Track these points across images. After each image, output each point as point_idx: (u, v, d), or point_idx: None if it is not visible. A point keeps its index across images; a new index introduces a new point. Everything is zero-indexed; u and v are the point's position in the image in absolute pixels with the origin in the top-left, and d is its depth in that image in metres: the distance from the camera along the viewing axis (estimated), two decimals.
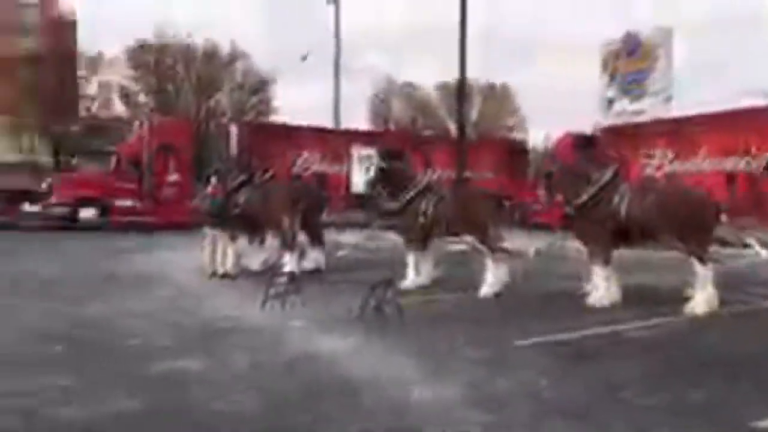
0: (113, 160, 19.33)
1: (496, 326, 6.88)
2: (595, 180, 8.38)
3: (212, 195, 10.46)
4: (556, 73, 53.21)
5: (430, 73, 64.15)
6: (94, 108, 40.10)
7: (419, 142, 24.05)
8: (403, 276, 9.04)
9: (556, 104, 44.60)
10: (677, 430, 4.09)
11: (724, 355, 5.79)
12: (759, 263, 8.21)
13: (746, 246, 7.79)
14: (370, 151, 16.95)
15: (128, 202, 18.46)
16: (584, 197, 8.29)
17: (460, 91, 21.03)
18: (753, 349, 6.00)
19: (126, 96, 39.87)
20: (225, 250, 10.10)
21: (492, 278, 8.49)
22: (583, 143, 18.65)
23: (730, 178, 14.12)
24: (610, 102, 28.16)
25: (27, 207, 18.98)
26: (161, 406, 4.42)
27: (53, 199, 18.46)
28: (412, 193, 9.40)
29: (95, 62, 39.60)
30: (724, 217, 7.83)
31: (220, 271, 10.01)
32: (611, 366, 5.41)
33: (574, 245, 9.13)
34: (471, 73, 22.66)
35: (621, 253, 8.44)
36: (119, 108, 39.96)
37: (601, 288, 7.91)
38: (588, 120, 24.73)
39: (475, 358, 5.59)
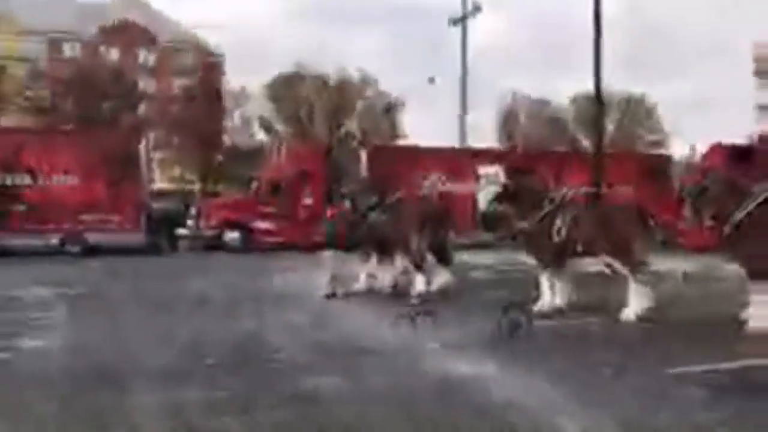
0: (253, 185, 20.67)
1: (642, 354, 6.35)
2: (756, 195, 7.57)
3: (330, 217, 10.75)
4: (703, 81, 49.53)
5: (563, 88, 62.25)
6: (237, 137, 43.37)
7: (550, 157, 23.29)
8: (537, 298, 8.72)
9: (704, 115, 41.47)
10: None
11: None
12: None
13: None
14: (498, 169, 16.68)
15: (268, 225, 19.58)
16: (742, 214, 7.50)
17: (597, 101, 20.07)
18: None
19: (266, 126, 42.75)
20: (338, 272, 10.17)
21: (634, 301, 7.90)
22: (738, 154, 17.01)
23: None
24: (766, 108, 25.72)
25: (178, 230, 20.77)
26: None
27: (201, 223, 20.07)
28: (544, 211, 9.04)
29: (238, 96, 42.92)
30: None
31: (339, 291, 10.13)
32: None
33: (732, 267, 8.28)
34: (609, 85, 21.62)
35: None
36: (259, 136, 42.90)
37: (765, 313, 7.06)
38: (739, 130, 22.66)
39: (622, 386, 5.19)
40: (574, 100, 39.75)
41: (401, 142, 36.67)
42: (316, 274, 10.34)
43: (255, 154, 33.68)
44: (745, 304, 7.46)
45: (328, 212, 10.93)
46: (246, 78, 43.78)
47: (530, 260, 9.45)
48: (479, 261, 14.22)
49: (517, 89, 41.01)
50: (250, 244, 19.33)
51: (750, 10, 47.78)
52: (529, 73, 57.26)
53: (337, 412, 4.67)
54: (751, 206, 7.51)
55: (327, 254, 10.36)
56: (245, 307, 9.17)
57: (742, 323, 7.26)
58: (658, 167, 23.04)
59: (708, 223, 7.96)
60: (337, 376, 5.56)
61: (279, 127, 42.22)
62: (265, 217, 19.73)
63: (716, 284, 9.58)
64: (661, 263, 9.17)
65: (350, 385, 5.35)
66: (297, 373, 5.68)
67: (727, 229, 7.67)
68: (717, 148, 18.08)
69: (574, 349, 6.59)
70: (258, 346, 6.87)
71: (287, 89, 41.15)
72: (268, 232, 19.55)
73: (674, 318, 7.96)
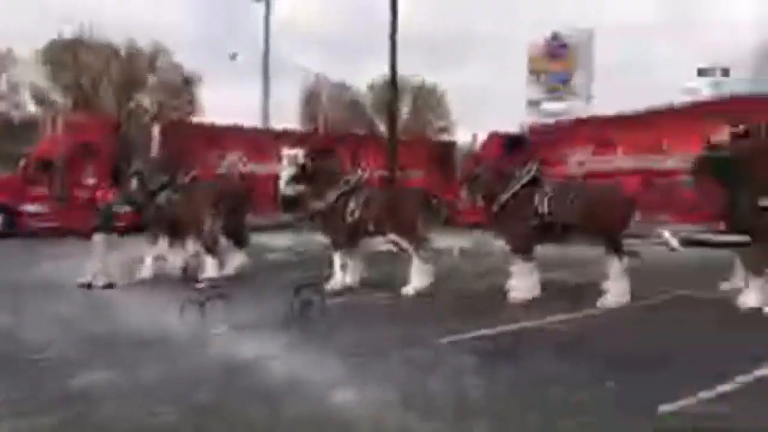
0: (22, 163, 18.19)
1: (419, 325, 6.86)
2: (518, 178, 8.57)
3: (102, 198, 9.97)
4: (485, 74, 54.54)
5: (362, 72, 64.29)
6: (3, 107, 37.74)
7: (349, 141, 23.94)
8: (330, 277, 8.95)
9: (485, 105, 45.74)
10: (591, 417, 4.18)
11: (633, 347, 6.00)
12: (669, 257, 8.56)
13: (660, 239, 8.13)
14: (299, 151, 16.71)
15: (38, 208, 17.39)
16: (506, 195, 8.47)
17: (392, 88, 21.02)
18: (660, 339, 6.26)
19: (38, 95, 37.63)
20: (105, 258, 9.37)
21: (416, 277, 8.51)
22: (510, 143, 19.10)
23: (646, 175, 14.74)
24: (536, 103, 29.06)
25: None
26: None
27: None
28: (338, 192, 9.29)
29: (3, 59, 37.25)
30: (637, 213, 8.18)
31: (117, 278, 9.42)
32: (526, 361, 5.49)
33: (499, 243, 9.30)
34: (403, 72, 22.72)
35: (544, 250, 8.70)
36: (32, 108, 37.74)
37: (522, 283, 8.10)
38: (516, 120, 25.37)
39: (399, 357, 5.55)
40: (372, 86, 41.29)
41: (199, 119, 34.94)
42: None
43: (28, 128, 29.63)
44: (508, 276, 8.45)
45: (99, 193, 10.08)
46: (14, 40, 38.14)
47: (326, 240, 9.66)
48: (278, 243, 14.18)
49: (320, 71, 41.39)
50: (18, 228, 17.03)
51: (528, 11, 53.69)
52: (333, 55, 57.91)
53: (109, 410, 4.35)
54: (515, 188, 8.51)
55: (97, 239, 9.46)
56: (5, 300, 8.11)
57: (506, 293, 8.22)
58: (445, 153, 24.90)
59: (480, 203, 8.87)
60: (113, 371, 5.17)
61: (56, 97, 37.46)
62: (35, 199, 17.49)
63: (486, 259, 10.70)
64: (442, 240, 9.95)
65: (126, 380, 5.00)
66: (68, 370, 5.17)
67: (494, 209, 8.62)
68: (494, 137, 20.02)
69: (361, 325, 6.90)
70: (21, 343, 6.12)
71: (66, 55, 36.59)
72: (38, 216, 17.38)
73: (450, 291, 8.71)
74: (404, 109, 41.65)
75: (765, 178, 7.37)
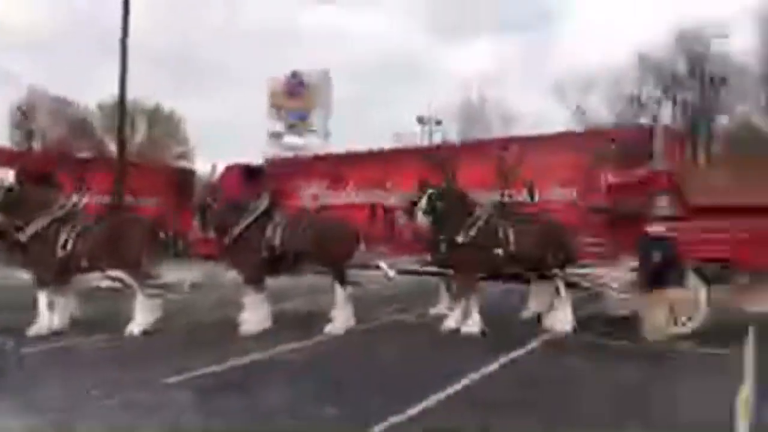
0: None
1: (142, 367, 6.37)
2: (251, 210, 8.61)
3: None
4: (227, 104, 54.16)
5: (91, 88, 58.66)
6: None
7: (72, 163, 21.49)
8: (33, 321, 7.82)
9: (227, 135, 45.31)
10: None
11: (357, 369, 6.41)
12: (389, 284, 9.38)
13: (377, 268, 8.86)
14: (8, 172, 14.47)
15: None
16: (240, 227, 8.43)
17: (120, 106, 19.55)
18: (375, 362, 6.81)
19: None
20: None
21: (141, 314, 7.93)
22: (248, 174, 19.14)
23: (372, 210, 16.00)
24: (277, 136, 29.74)
25: None
26: None
27: None
28: (48, 220, 8.20)
29: None
30: (363, 245, 8.84)
31: None
32: (256, 394, 5.47)
33: (231, 275, 9.19)
34: (136, 94, 21.32)
35: (278, 281, 8.85)
36: None
37: (253, 315, 8.11)
38: (258, 152, 25.56)
39: (118, 404, 5.07)
40: (101, 105, 38.00)
41: None
42: None
43: None
44: (241, 308, 8.38)
45: None
46: None
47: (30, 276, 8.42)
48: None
49: (34, 83, 36.60)
50: None
51: (274, 46, 55.10)
52: (56, 66, 51.78)
53: None
54: (248, 220, 8.52)
55: None
56: None
57: (237, 326, 8.12)
58: (182, 181, 23.87)
59: (212, 234, 8.68)
60: None
61: None
62: None
63: (218, 291, 10.49)
64: (173, 273, 9.46)
65: None
66: None
67: (227, 241, 8.52)
68: (232, 168, 19.86)
69: (71, 373, 6.12)
70: None
71: None
72: None
73: (180, 326, 8.31)
74: (139, 133, 39.11)
75: (460, 218, 8.53)
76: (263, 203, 8.75)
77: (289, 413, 4.91)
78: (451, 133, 35.10)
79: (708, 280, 8.41)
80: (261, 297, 8.33)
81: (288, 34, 54.46)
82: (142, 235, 8.34)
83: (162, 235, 8.71)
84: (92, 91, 55.02)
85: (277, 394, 5.41)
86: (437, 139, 30.79)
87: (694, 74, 34.20)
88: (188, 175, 26.47)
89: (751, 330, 8.31)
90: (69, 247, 8.02)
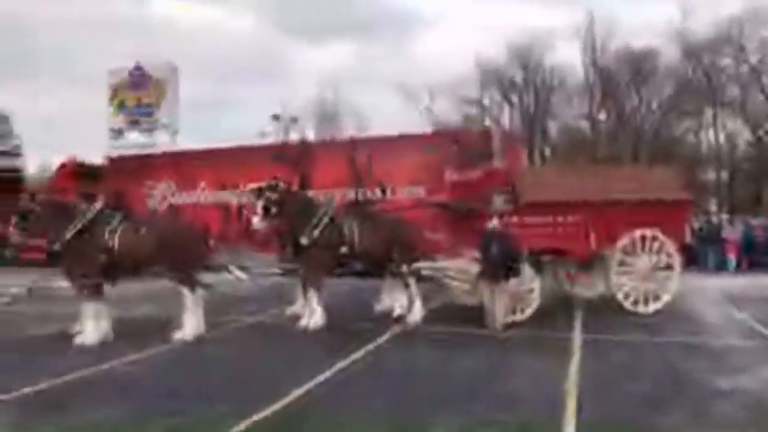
0: None
1: None
2: (84, 213, 7.96)
3: None
4: (65, 98, 49.63)
5: None
6: None
7: None
8: None
9: (65, 131, 41.47)
10: None
11: (202, 377, 6.18)
12: (242, 286, 9.15)
13: (229, 271, 8.62)
14: None
15: None
16: (71, 232, 7.75)
17: None
18: (231, 366, 6.61)
19: None
20: None
21: None
22: (90, 172, 17.68)
23: (225, 209, 15.51)
24: (119, 132, 27.72)
25: None
26: None
27: None
28: None
29: None
30: (212, 246, 8.54)
31: None
32: (86, 411, 5.06)
33: (64, 283, 8.44)
34: None
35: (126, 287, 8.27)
36: None
37: (90, 325, 7.52)
38: (98, 150, 23.68)
39: None
40: None
41: None
42: None
43: None
44: (75, 320, 7.72)
45: None
46: None
47: None
48: None
49: None
50: None
51: (115, 39, 51.08)
52: None
53: None
54: (82, 223, 7.85)
55: None
56: None
57: (72, 338, 7.49)
58: (8, 181, 21.55)
59: (37, 240, 7.91)
60: None
61: None
62: None
63: (50, 301, 9.62)
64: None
65: None
66: None
67: (57, 246, 7.79)
68: (67, 165, 18.31)
69: None
70: None
71: None
72: None
73: (4, 341, 7.48)
74: None
75: (302, 219, 8.54)
76: (97, 205, 8.13)
77: (116, 426, 4.61)
78: (308, 131, 35.17)
79: (541, 270, 9.20)
80: (99, 305, 7.72)
81: (136, 28, 51.00)
82: None
83: None
84: None
85: (107, 408, 5.03)
86: (295, 137, 30.56)
87: (528, 82, 37.27)
88: (15, 174, 23.98)
89: (578, 313, 9.23)
90: None
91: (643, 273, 9.15)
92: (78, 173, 17.56)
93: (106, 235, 7.76)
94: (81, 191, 13.57)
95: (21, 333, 8.09)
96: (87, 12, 52.78)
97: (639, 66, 34.89)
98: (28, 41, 52.60)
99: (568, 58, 37.09)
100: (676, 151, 33.42)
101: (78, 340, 7.45)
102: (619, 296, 9.20)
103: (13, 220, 7.83)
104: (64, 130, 39.86)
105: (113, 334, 7.71)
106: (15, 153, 28.57)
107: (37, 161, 36.38)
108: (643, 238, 9.13)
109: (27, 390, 5.55)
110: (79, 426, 4.69)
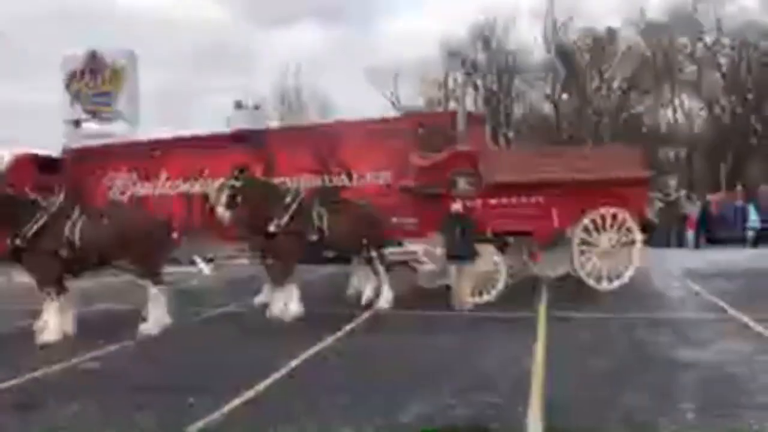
0: None
1: None
2: (45, 206, 7.76)
3: None
4: (20, 87, 47.88)
5: None
6: None
7: None
8: None
9: (19, 122, 40.07)
10: None
11: (168, 372, 6.12)
12: (207, 277, 9.04)
13: (193, 263, 8.51)
14: None
15: None
16: (34, 228, 7.55)
17: None
18: (198, 358, 6.57)
19: None
20: None
21: None
22: (47, 165, 17.16)
23: (188, 199, 15.26)
24: (77, 123, 26.94)
25: None
26: None
27: None
28: None
29: None
30: (176, 237, 8.40)
31: None
32: (54, 409, 4.97)
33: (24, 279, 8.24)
34: None
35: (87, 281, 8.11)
36: None
37: (51, 321, 7.36)
38: (55, 141, 22.96)
39: None
40: None
41: None
42: None
43: None
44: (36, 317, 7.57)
45: None
46: None
47: None
48: None
49: None
50: None
51: (65, 26, 49.33)
52: None
53: None
54: (42, 217, 7.65)
55: None
56: None
57: (33, 335, 7.33)
58: None
59: None
60: None
61: None
62: None
63: (10, 299, 9.38)
64: None
65: None
66: None
67: (19, 241, 7.58)
68: (23, 158, 17.71)
69: None
70: None
71: None
72: None
73: None
74: None
75: (269, 208, 8.47)
76: (59, 199, 7.92)
77: (91, 427, 4.53)
78: (271, 118, 34.77)
79: (505, 251, 9.33)
80: (61, 301, 7.56)
81: (93, 15, 49.28)
82: None
83: None
84: None
85: (78, 407, 4.95)
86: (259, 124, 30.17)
87: (491, 63, 37.48)
88: None
89: (543, 292, 9.42)
90: None
91: (605, 250, 9.35)
92: (33, 165, 17.03)
93: (67, 230, 7.57)
94: (37, 185, 13.18)
95: None
96: (42, 3, 50.79)
97: (600, 46, 35.43)
98: None
99: (529, 38, 37.44)
100: (636, 130, 34.15)
101: (41, 337, 7.29)
102: (582, 274, 9.40)
103: None
104: (23, 121, 38.43)
105: (77, 330, 7.58)
106: None
107: None
108: (604, 217, 9.32)
109: None
110: (48, 423, 4.61)
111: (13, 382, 5.66)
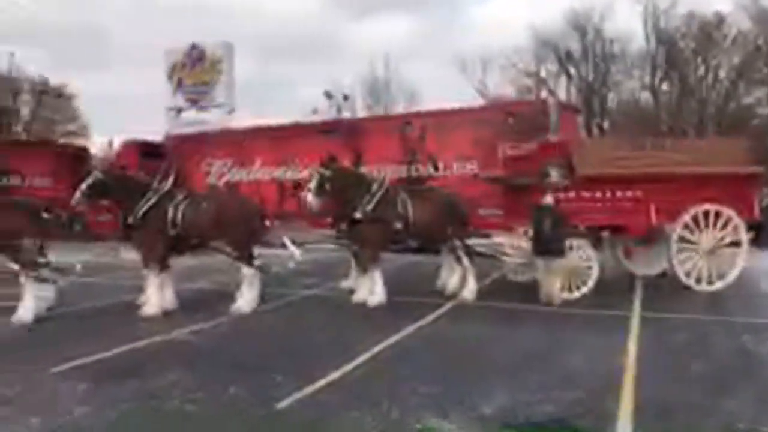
0: None
1: (29, 355, 6.02)
2: (153, 189, 8.26)
3: None
4: (124, 78, 51.18)
5: None
6: None
7: None
8: None
9: (125, 110, 42.86)
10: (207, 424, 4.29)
11: (265, 348, 6.37)
12: (297, 261, 9.27)
13: (284, 246, 8.79)
14: None
15: None
16: (142, 208, 8.06)
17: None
18: (286, 338, 6.80)
19: None
20: None
21: (29, 300, 7.46)
22: (147, 151, 18.26)
23: (280, 186, 15.78)
24: (178, 111, 28.43)
25: None
26: None
27: None
28: None
29: None
30: (269, 222, 8.72)
31: None
32: (153, 377, 5.31)
33: (132, 256, 8.83)
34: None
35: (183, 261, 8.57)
36: None
37: (154, 297, 7.84)
38: (157, 128, 24.38)
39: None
40: None
41: None
42: None
43: None
44: (140, 292, 8.07)
45: None
46: None
47: None
48: None
49: None
50: None
51: (169, 19, 52.16)
52: None
53: None
54: (151, 199, 8.15)
55: None
56: None
57: (138, 308, 7.84)
58: (76, 159, 22.50)
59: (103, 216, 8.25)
60: None
61: None
62: None
63: (118, 273, 10.06)
64: (67, 255, 9.00)
65: None
66: None
67: (131, 220, 8.11)
68: (130, 144, 18.93)
69: None
70: None
71: None
72: None
73: (75, 312, 7.93)
74: (24, 110, 36.35)
75: (355, 195, 8.56)
76: (168, 181, 8.42)
77: (180, 395, 4.79)
78: (359, 108, 35.21)
79: (598, 247, 8.98)
80: (164, 277, 8.05)
81: (191, 9, 51.78)
82: (19, 217, 7.75)
83: (46, 215, 8.11)
84: None
85: (176, 377, 5.26)
86: (347, 114, 30.65)
87: (587, 52, 36.00)
88: (82, 152, 24.98)
89: (637, 290, 9.01)
90: None
91: (706, 250, 8.82)
92: (139, 150, 18.16)
93: (171, 211, 8.03)
94: (140, 168, 14.04)
95: (91, 304, 8.51)
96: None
97: (707, 33, 33.20)
98: (96, 25, 54.26)
99: (628, 25, 35.64)
100: (745, 122, 31.80)
101: (144, 309, 7.79)
102: (681, 273, 8.91)
103: (82, 187, 8.11)
104: (129, 110, 41.02)
105: (177, 306, 8.05)
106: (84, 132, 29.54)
107: (102, 140, 37.84)
108: (707, 214, 8.79)
109: (101, 356, 5.87)
110: (146, 390, 4.94)
111: (115, 350, 6.08)
